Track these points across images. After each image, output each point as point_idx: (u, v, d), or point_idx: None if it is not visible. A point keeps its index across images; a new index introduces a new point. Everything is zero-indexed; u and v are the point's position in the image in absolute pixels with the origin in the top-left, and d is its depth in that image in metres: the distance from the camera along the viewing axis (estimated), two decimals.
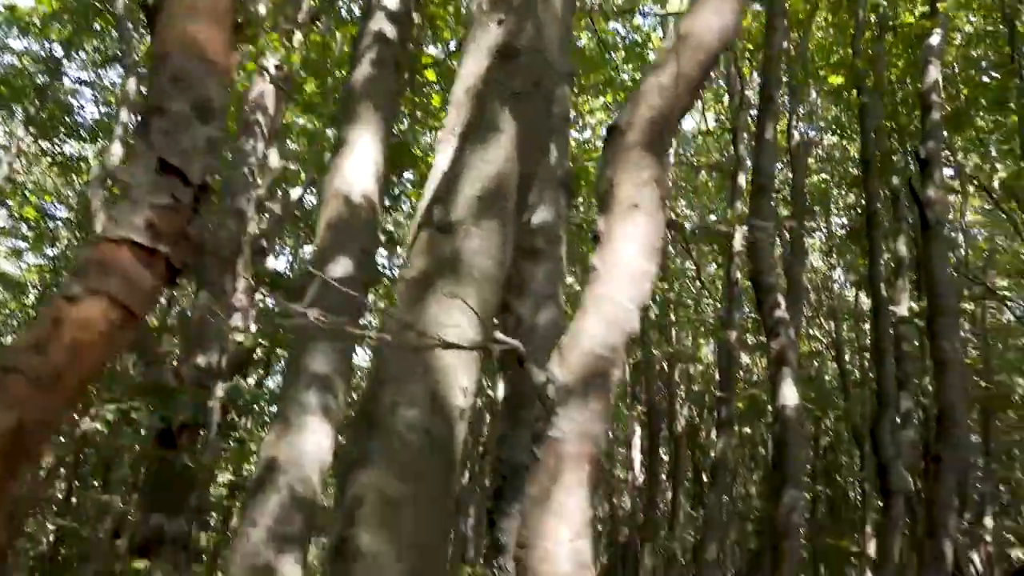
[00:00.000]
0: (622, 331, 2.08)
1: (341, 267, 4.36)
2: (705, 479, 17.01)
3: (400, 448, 3.06)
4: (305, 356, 4.57)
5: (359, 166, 4.42)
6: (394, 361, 3.19)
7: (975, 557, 14.99)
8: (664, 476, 17.54)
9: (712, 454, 13.67)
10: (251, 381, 13.38)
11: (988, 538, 15.23)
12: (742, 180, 9.85)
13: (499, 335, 2.26)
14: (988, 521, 15.39)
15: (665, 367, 16.55)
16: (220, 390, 7.47)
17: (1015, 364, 12.27)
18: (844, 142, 13.42)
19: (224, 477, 10.27)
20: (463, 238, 3.06)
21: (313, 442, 4.28)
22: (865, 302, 15.37)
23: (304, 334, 4.68)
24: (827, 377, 17.86)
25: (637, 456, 16.97)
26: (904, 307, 10.43)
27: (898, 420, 10.84)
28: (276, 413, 4.50)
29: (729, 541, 18.75)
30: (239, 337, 7.37)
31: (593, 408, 2.06)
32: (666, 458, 17.55)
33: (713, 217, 13.10)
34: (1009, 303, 13.87)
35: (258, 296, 8.78)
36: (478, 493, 14.93)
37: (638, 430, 16.76)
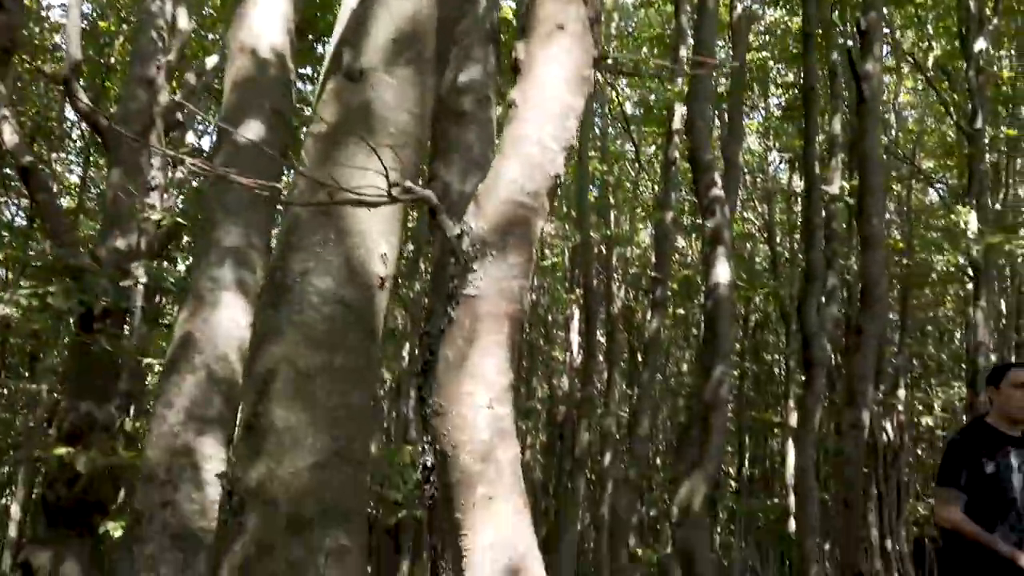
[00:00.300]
0: (545, 175, 1.82)
1: (251, 130, 3.95)
2: (639, 359, 17.37)
3: (313, 319, 2.80)
4: (217, 230, 4.22)
5: (266, 16, 3.94)
6: (304, 225, 2.88)
7: (888, 425, 15.81)
8: (600, 357, 17.83)
9: (646, 335, 13.86)
10: (182, 268, 12.85)
11: (900, 408, 16.04)
12: (683, 53, 9.48)
13: (408, 184, 1.98)
14: (901, 392, 16.17)
15: (603, 250, 16.53)
16: (141, 272, 7.04)
17: (935, 243, 12.54)
18: (786, 17, 13.05)
19: (157, 363, 9.94)
20: (375, 87, 2.72)
21: (228, 318, 3.99)
22: (798, 184, 15.43)
23: (216, 207, 4.31)
24: (758, 259, 18.13)
25: (575, 338, 17.16)
26: (836, 186, 10.42)
27: (823, 299, 11.03)
28: (188, 289, 4.18)
29: (661, 416, 19.41)
30: (155, 216, 6.88)
31: (513, 262, 1.82)
32: (602, 340, 17.80)
33: (653, 97, 12.77)
34: (935, 184, 14.05)
35: (178, 174, 8.22)
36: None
37: (576, 313, 16.88)
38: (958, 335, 21.36)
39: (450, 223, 1.90)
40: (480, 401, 1.78)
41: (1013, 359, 16.40)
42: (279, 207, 4.24)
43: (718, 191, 8.77)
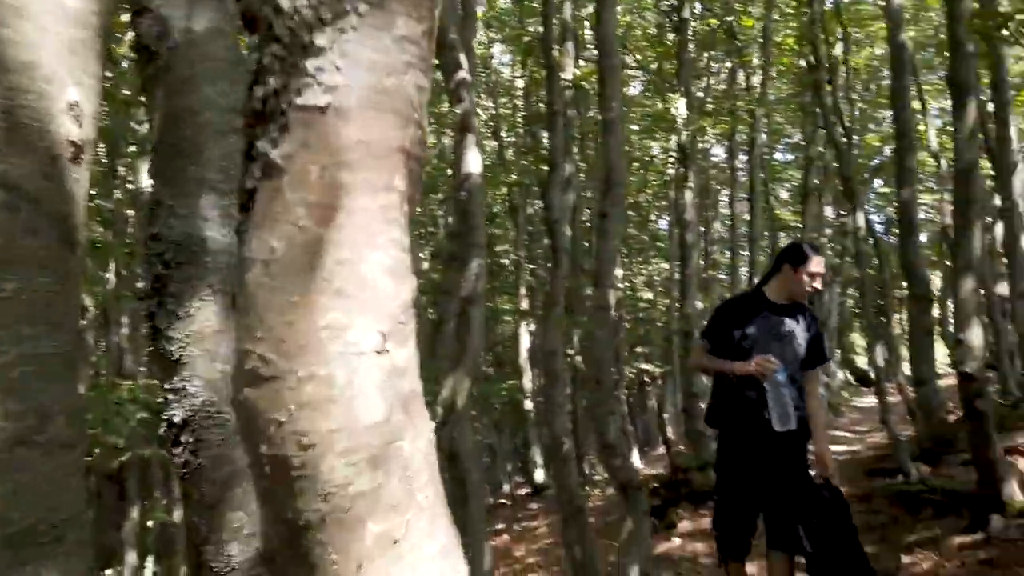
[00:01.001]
0: None
1: None
2: None
3: None
4: None
5: None
6: None
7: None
8: None
9: None
10: None
11: (619, 285, 17.03)
12: None
13: None
14: (619, 271, 17.13)
15: None
16: None
17: (650, 130, 12.96)
18: None
19: None
20: None
21: None
22: (522, 76, 15.11)
23: None
24: (484, 154, 17.83)
25: None
26: (570, 72, 10.09)
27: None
28: None
29: None
30: None
31: (402, 31, 0.79)
32: None
33: None
34: (645, 73, 14.46)
35: None
36: (130, 296, 12.29)
37: None
38: (653, 217, 23.20)
39: None
40: (361, 341, 0.76)
41: (704, 232, 17.99)
42: None
43: (465, 74, 7.92)
